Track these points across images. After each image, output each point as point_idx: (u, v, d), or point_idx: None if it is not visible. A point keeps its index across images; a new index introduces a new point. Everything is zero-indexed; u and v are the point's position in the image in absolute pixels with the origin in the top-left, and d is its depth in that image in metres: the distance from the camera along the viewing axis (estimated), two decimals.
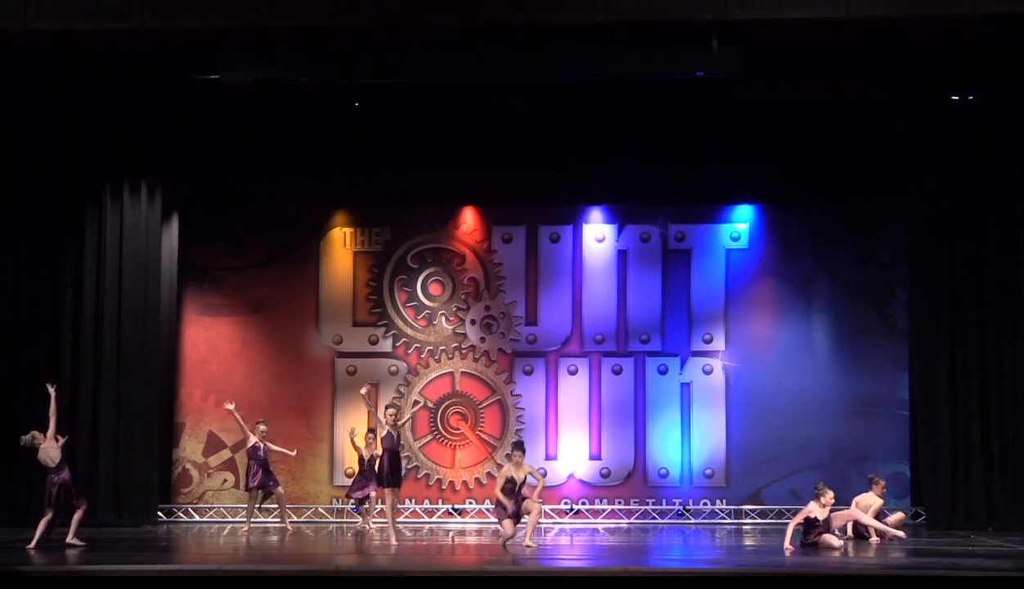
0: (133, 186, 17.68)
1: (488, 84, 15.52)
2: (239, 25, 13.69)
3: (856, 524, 15.31)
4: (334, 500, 18.23)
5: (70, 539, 14.21)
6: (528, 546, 13.83)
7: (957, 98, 16.03)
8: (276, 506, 16.92)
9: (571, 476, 18.34)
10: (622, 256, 18.59)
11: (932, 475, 17.11)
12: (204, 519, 18.23)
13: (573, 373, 18.50)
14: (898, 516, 15.95)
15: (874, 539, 15.03)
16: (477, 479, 18.38)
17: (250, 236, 18.68)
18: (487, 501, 18.09)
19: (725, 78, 14.02)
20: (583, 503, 18.24)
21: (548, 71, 14.54)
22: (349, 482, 17.09)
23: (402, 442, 15.76)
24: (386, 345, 18.62)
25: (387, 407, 15.14)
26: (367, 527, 16.29)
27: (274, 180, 18.22)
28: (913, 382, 17.74)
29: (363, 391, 15.11)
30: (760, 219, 18.44)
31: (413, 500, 18.08)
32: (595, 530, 17.34)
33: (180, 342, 18.56)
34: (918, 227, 17.52)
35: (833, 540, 14.20)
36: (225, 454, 18.37)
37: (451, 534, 16.09)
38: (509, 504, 13.84)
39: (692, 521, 17.93)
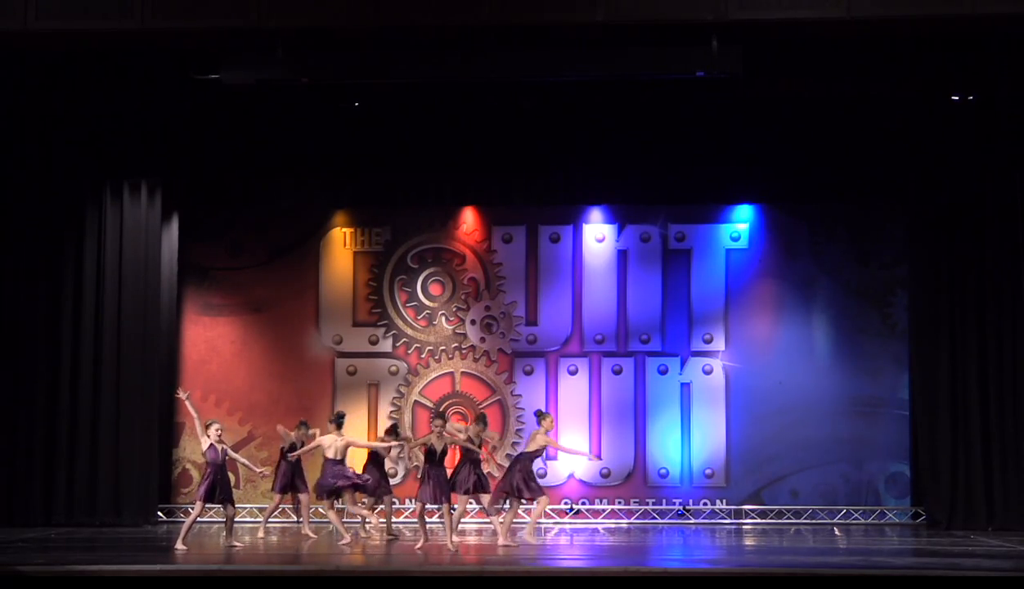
0: (133, 186, 17.67)
1: (488, 84, 15.52)
2: (239, 25, 13.68)
3: None
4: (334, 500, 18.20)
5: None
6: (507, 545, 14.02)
7: (957, 98, 16.03)
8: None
9: (571, 476, 18.34)
10: (622, 256, 18.58)
11: (932, 475, 17.09)
12: (204, 519, 18.18)
13: (573, 373, 18.50)
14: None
15: None
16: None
17: (250, 236, 18.67)
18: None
19: (725, 78, 14.03)
20: (583, 503, 18.23)
21: (548, 71, 14.54)
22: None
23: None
24: (386, 345, 18.62)
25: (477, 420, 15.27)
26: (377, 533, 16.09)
27: (274, 180, 18.22)
28: (913, 382, 17.72)
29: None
30: (760, 219, 18.43)
31: (413, 500, 18.04)
32: (595, 530, 17.34)
33: (180, 342, 18.55)
34: (918, 227, 17.50)
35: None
36: None
37: None
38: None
39: (692, 521, 17.92)
